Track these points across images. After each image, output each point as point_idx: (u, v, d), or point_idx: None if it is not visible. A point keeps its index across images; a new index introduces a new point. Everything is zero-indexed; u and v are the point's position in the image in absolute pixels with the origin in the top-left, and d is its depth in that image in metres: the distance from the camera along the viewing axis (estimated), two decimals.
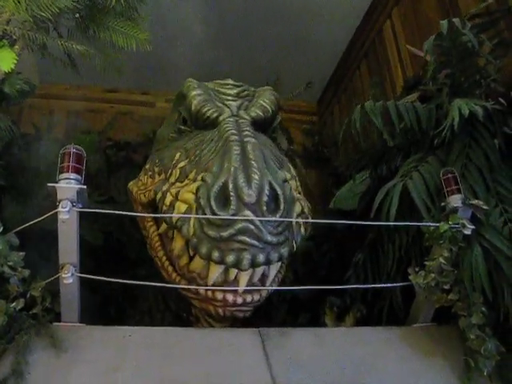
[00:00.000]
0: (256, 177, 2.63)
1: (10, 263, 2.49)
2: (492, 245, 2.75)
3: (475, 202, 2.78)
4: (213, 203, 2.60)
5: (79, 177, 2.53)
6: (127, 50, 3.99)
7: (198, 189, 2.73)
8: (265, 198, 2.63)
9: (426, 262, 2.83)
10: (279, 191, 2.69)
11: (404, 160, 3.54)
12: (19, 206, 4.12)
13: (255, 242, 2.62)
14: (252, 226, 2.61)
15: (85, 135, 5.65)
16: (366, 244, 3.64)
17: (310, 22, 6.81)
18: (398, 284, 3.21)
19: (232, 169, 2.65)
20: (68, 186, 2.46)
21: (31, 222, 2.53)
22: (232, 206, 2.58)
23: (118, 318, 4.45)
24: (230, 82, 3.65)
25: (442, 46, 3.04)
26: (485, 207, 2.76)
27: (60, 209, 2.40)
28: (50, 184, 2.44)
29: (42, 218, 2.48)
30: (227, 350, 2.71)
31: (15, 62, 3.20)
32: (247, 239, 2.60)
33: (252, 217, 2.59)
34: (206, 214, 2.62)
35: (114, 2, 3.60)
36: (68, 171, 2.49)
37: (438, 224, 2.80)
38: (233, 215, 2.58)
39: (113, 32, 3.90)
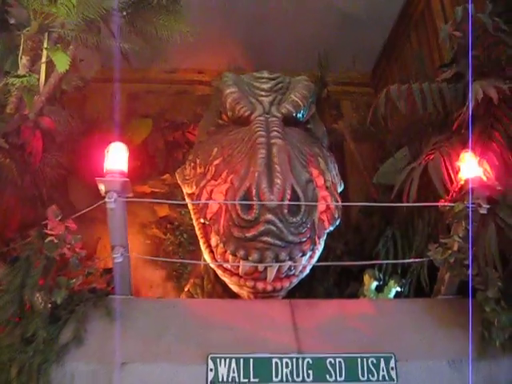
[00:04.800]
0: (278, 181, 2.90)
1: (69, 245, 2.88)
2: (506, 223, 2.88)
3: (490, 182, 2.90)
4: (238, 206, 2.92)
5: (123, 170, 2.89)
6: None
7: (227, 191, 3.06)
8: (286, 202, 2.90)
9: (443, 240, 2.99)
10: (300, 194, 2.95)
11: (438, 137, 3.66)
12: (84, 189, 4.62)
13: (277, 242, 2.93)
14: (274, 228, 2.91)
15: (140, 120, 6.07)
16: (395, 220, 3.81)
17: None
18: (426, 259, 3.35)
19: (256, 174, 2.94)
20: (113, 179, 2.82)
21: (83, 211, 2.91)
22: (255, 210, 2.88)
23: None
24: (266, 74, 3.83)
25: (462, 30, 3.12)
26: (499, 187, 2.88)
27: (107, 199, 2.77)
28: (97, 178, 2.81)
29: (92, 207, 2.86)
30: (259, 319, 3.03)
31: (69, 63, 3.60)
32: (270, 239, 2.91)
33: (274, 220, 2.88)
34: (232, 216, 2.94)
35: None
36: (113, 165, 2.86)
37: (453, 204, 2.95)
38: (256, 219, 2.88)
39: (157, 26, 4.24)
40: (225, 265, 3.29)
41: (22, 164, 3.37)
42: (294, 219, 2.92)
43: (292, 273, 3.23)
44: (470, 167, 3.00)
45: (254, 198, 2.87)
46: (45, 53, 3.66)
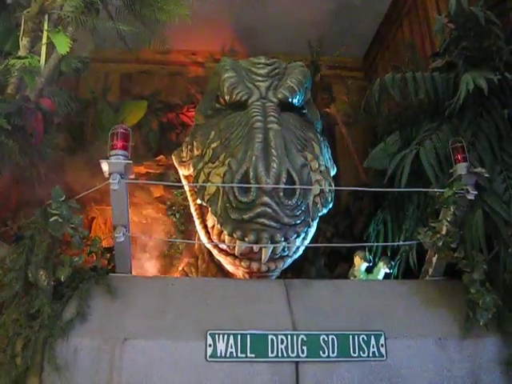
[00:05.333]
0: (275, 165, 3.00)
1: (73, 225, 2.97)
2: (492, 209, 3.02)
3: (478, 169, 3.03)
4: (235, 189, 3.02)
5: (126, 153, 2.97)
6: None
7: (224, 173, 3.14)
8: (282, 185, 3.00)
9: (432, 224, 3.12)
10: (296, 178, 3.05)
11: (429, 125, 3.78)
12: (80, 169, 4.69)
13: (273, 224, 3.04)
14: (270, 210, 3.02)
15: (135, 102, 6.11)
16: (386, 204, 3.94)
17: None
18: (416, 241, 3.48)
19: (254, 158, 3.04)
20: (117, 161, 2.91)
21: (86, 192, 3.00)
22: (252, 193, 2.99)
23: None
24: (263, 60, 3.88)
25: (455, 22, 3.22)
26: (486, 175, 3.01)
27: (111, 181, 2.86)
28: (101, 160, 2.89)
29: (95, 188, 2.95)
30: (255, 298, 3.15)
31: (70, 45, 3.65)
32: (266, 221, 3.02)
33: (270, 202, 2.99)
34: (230, 198, 3.05)
35: None
36: (117, 148, 2.94)
37: (443, 190, 3.07)
38: (252, 201, 2.99)
39: (156, 9, 4.29)
40: (221, 245, 3.40)
41: (23, 145, 3.43)
42: (290, 202, 3.03)
43: (286, 253, 3.35)
44: (460, 154, 3.13)
45: (251, 181, 2.96)
46: (45, 34, 3.69)
